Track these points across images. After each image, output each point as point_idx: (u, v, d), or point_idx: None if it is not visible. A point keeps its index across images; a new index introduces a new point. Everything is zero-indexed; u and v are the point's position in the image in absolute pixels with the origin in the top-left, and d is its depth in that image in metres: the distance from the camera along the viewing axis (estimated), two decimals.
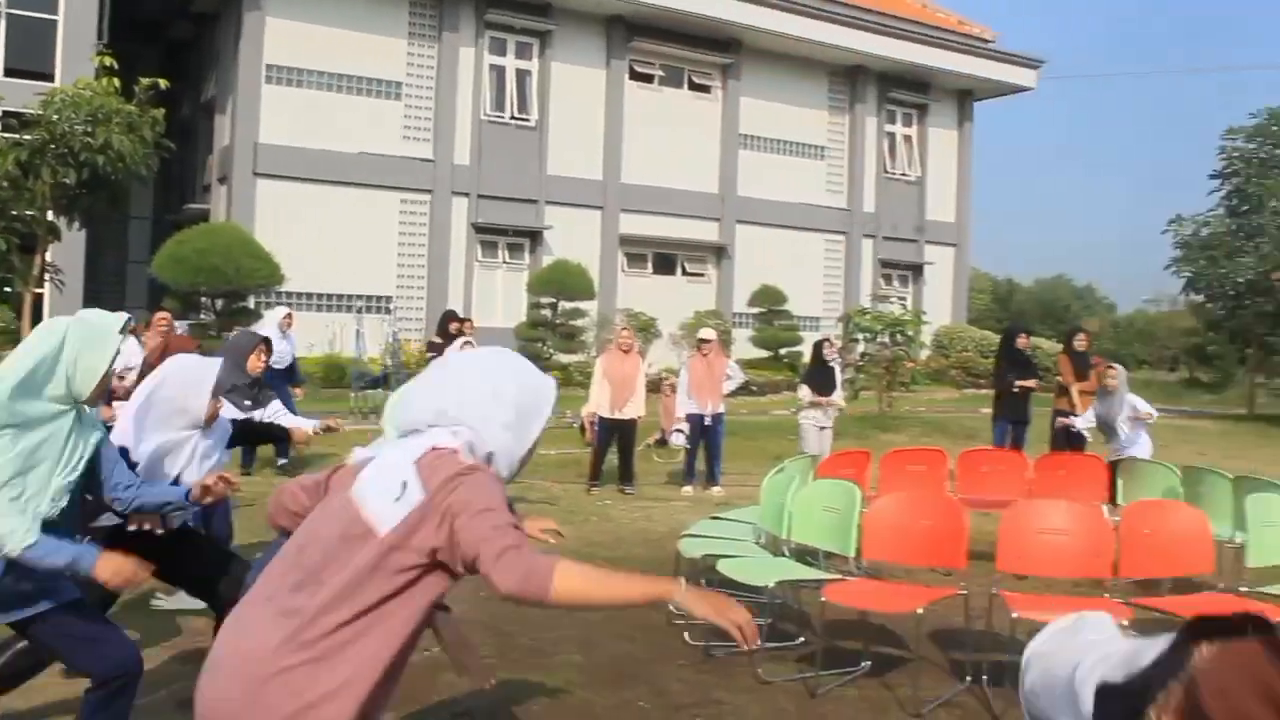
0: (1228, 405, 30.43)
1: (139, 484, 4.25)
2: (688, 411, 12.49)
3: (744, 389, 14.28)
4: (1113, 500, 8.57)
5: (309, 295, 22.82)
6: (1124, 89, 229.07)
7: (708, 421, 12.53)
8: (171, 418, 4.97)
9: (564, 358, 24.14)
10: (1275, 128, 34.57)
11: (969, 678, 5.78)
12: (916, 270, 32.63)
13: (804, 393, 12.69)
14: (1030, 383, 13.10)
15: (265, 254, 20.54)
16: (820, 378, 12.68)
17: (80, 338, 3.84)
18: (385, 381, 19.11)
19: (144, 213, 27.86)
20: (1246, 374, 37.19)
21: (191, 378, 5.05)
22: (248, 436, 6.18)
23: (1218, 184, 35.16)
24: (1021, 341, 13.51)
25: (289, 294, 22.22)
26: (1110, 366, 10.05)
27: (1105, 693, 1.37)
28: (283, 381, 11.87)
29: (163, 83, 14.23)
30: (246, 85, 23.06)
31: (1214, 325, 39.28)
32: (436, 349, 13.05)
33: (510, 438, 2.63)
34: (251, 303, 21.55)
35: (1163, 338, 59.73)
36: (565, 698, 5.41)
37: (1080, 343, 13.20)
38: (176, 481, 4.87)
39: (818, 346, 13.26)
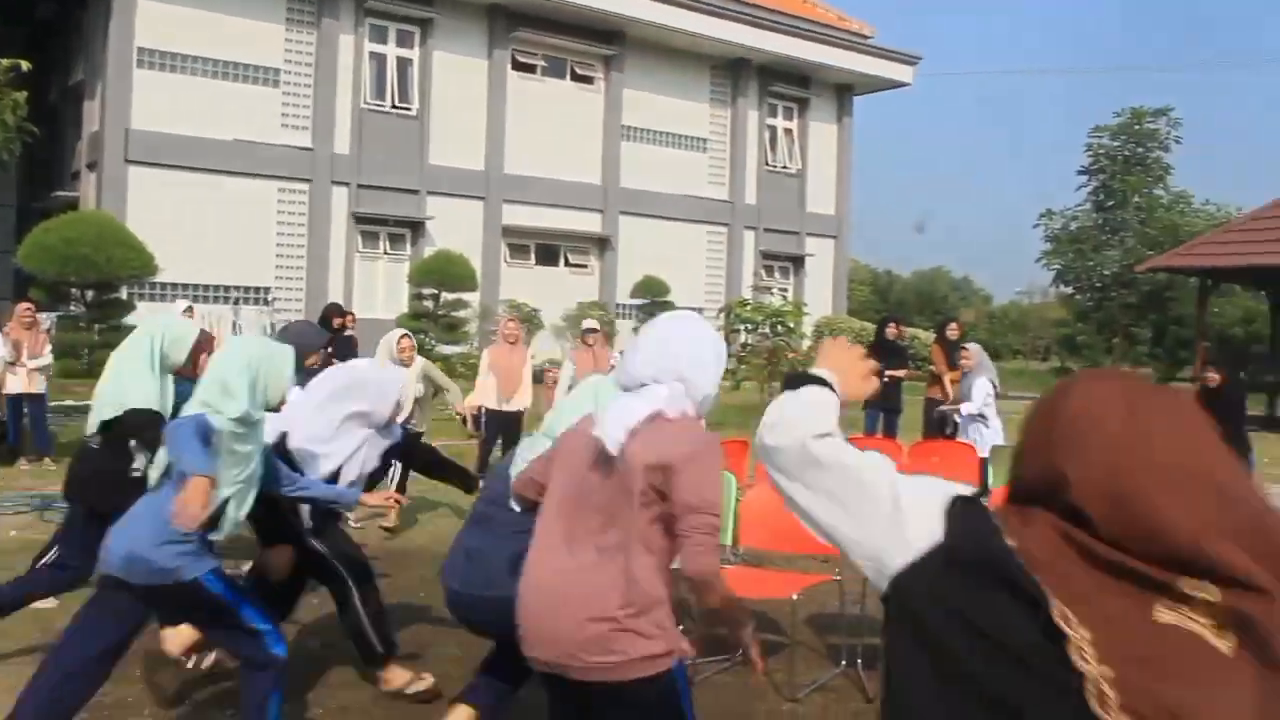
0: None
1: (302, 479, 4.87)
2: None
3: None
4: (984, 487, 8.81)
5: (184, 286, 22.29)
6: (999, 86, 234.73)
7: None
8: (357, 419, 5.30)
9: (446, 349, 24.00)
10: (1138, 126, 35.84)
11: (844, 661, 5.90)
12: (797, 262, 33.08)
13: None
14: (900, 372, 13.38)
15: (138, 243, 20.05)
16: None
17: (263, 355, 4.37)
18: None
19: (8, 200, 26.96)
20: (1113, 363, 38.50)
21: (387, 385, 5.50)
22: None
23: (1085, 180, 36.45)
24: (891, 331, 13.76)
25: (163, 285, 21.76)
26: (964, 346, 10.25)
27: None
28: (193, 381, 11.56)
29: (24, 64, 13.80)
30: (117, 69, 22.43)
31: (1082, 316, 40.67)
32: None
33: (712, 384, 3.28)
34: (124, 294, 21.03)
35: (1035, 328, 61.51)
36: (449, 691, 5.40)
37: (952, 332, 13.50)
38: (336, 475, 5.23)
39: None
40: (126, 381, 5.23)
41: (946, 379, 12.90)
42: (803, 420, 1.86)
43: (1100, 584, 1.46)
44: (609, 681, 3.02)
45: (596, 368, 12.58)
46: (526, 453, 3.98)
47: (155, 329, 5.39)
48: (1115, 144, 36.04)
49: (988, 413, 10.32)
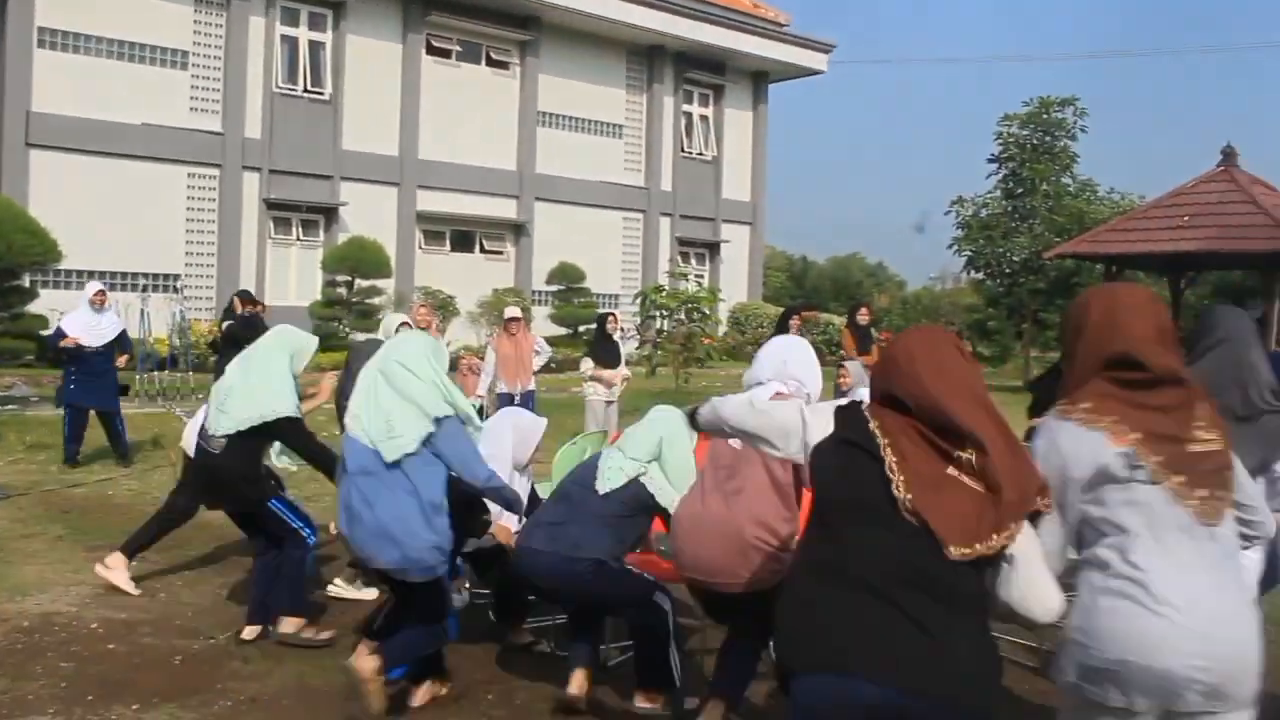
0: (1006, 377, 32.01)
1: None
2: (498, 391, 12.44)
3: (545, 367, 14.32)
4: None
5: (89, 274, 21.70)
6: (912, 75, 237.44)
7: (517, 401, 12.51)
8: (505, 462, 5.78)
9: (360, 337, 23.74)
10: (1045, 115, 36.44)
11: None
12: (713, 248, 33.25)
13: (585, 365, 12.92)
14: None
15: (40, 229, 19.59)
16: (604, 352, 12.86)
17: (439, 350, 4.92)
18: (174, 363, 18.47)
19: None
20: (1022, 348, 39.21)
21: (528, 432, 6.10)
22: None
23: (995, 168, 36.93)
24: (794, 323, 13.76)
25: (68, 272, 21.29)
26: (842, 365, 10.30)
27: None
28: (109, 359, 11.48)
29: None
30: (16, 50, 21.83)
31: (993, 301, 41.26)
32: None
33: (817, 385, 4.55)
34: (26, 281, 20.56)
35: (947, 313, 62.21)
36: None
37: (863, 317, 13.86)
38: None
39: (601, 320, 13.61)
40: (277, 385, 5.90)
41: (859, 363, 13.05)
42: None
43: (917, 448, 2.77)
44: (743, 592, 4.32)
45: (518, 355, 12.52)
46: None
47: (287, 341, 6.10)
48: (1024, 132, 36.61)
49: None
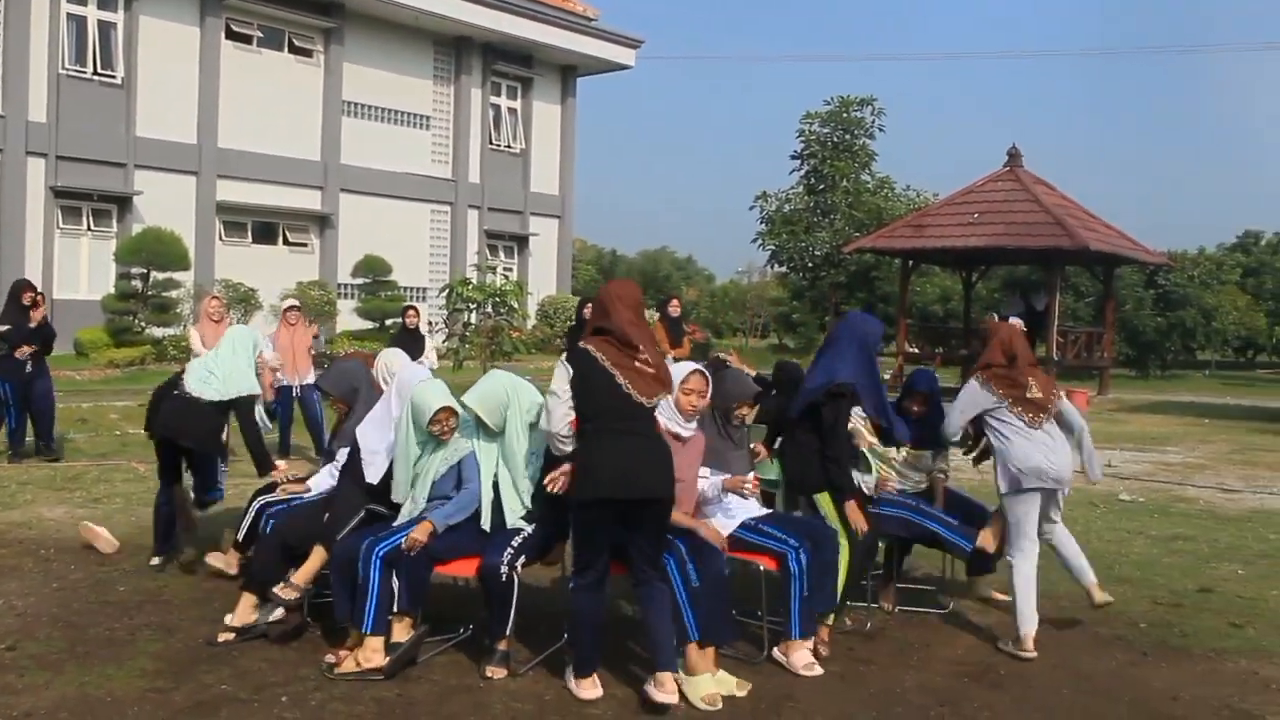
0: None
1: None
2: (279, 384, 12.24)
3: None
4: None
5: None
6: (719, 72, 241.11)
7: (296, 394, 12.34)
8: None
9: (157, 331, 23.01)
10: (845, 114, 37.60)
11: (565, 635, 6.00)
12: (522, 241, 33.20)
13: None
14: None
15: None
16: (405, 344, 12.81)
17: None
18: None
19: None
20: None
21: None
22: None
23: (798, 164, 37.99)
24: (587, 312, 14.04)
25: None
26: None
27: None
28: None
29: None
30: None
31: (797, 294, 42.49)
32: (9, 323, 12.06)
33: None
34: None
35: (754, 306, 63.73)
36: (141, 688, 5.24)
37: (674, 309, 14.08)
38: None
39: (403, 313, 13.85)
40: (245, 368, 7.42)
41: (670, 356, 13.26)
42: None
43: (624, 359, 5.13)
44: None
45: (294, 346, 12.35)
46: None
47: (250, 335, 7.67)
48: (825, 130, 37.71)
49: None
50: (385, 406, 6.19)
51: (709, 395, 5.83)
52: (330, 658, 5.59)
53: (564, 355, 5.41)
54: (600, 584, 5.23)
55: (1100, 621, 6.63)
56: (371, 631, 5.50)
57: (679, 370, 5.81)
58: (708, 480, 6.01)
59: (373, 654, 5.47)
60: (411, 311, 13.89)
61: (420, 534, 5.57)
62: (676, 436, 5.67)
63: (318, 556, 5.88)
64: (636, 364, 5.09)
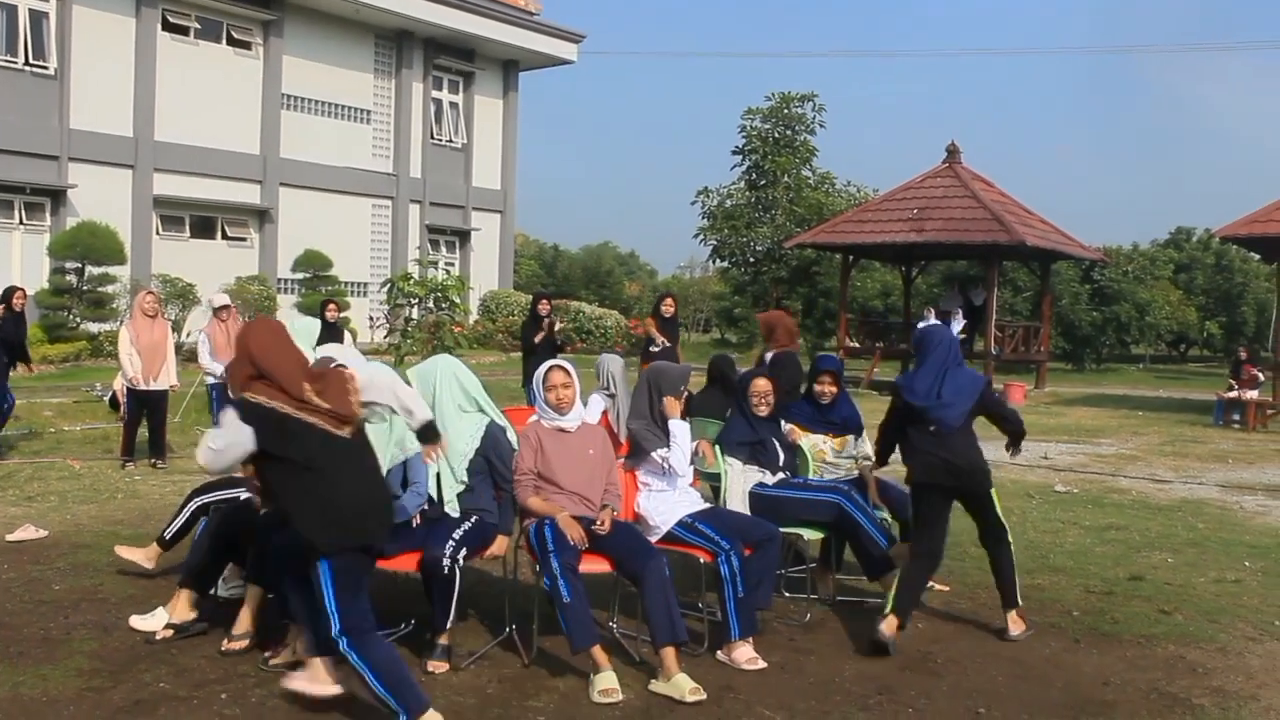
0: (750, 363, 32.87)
1: None
2: (211, 381, 12.21)
3: None
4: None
5: None
6: (660, 67, 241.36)
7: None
8: None
9: (93, 326, 22.67)
10: (786, 110, 37.75)
11: (507, 629, 6.02)
12: (463, 236, 33.07)
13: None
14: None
15: None
16: (324, 336, 12.87)
17: None
18: None
19: None
20: None
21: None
22: None
23: (739, 160, 38.07)
24: (543, 308, 14.54)
25: None
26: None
27: None
28: None
29: None
30: None
31: (739, 289, 42.60)
32: None
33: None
34: None
35: (696, 301, 63.89)
36: (77, 687, 5.19)
37: (667, 308, 14.24)
38: None
39: (322, 306, 14.09)
40: None
41: (657, 336, 13.86)
42: None
43: (289, 399, 4.62)
44: None
45: (230, 343, 12.26)
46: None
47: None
48: (766, 126, 37.84)
49: None
50: None
51: (575, 385, 6.04)
52: (267, 653, 5.58)
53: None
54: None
55: (1034, 610, 6.75)
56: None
57: (540, 370, 6.09)
58: (663, 452, 6.27)
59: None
60: (332, 305, 14.06)
61: None
62: (562, 430, 5.97)
63: (254, 598, 5.80)
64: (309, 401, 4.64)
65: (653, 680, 5.39)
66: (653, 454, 6.24)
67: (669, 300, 14.53)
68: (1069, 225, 30.09)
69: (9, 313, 12.33)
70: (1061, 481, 12.19)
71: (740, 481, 6.62)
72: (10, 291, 12.61)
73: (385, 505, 4.95)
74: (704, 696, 5.20)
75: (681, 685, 5.25)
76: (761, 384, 6.89)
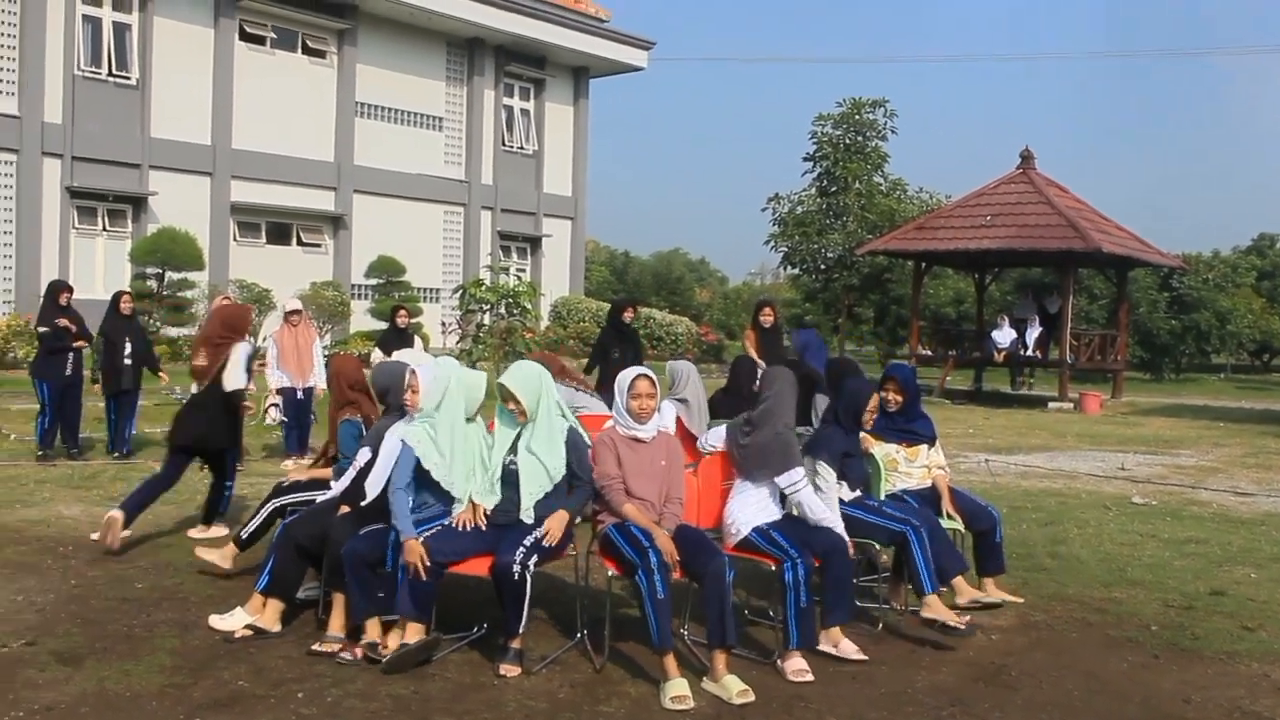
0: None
1: None
2: (280, 385, 12.27)
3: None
4: None
5: None
6: (732, 73, 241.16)
7: (299, 395, 12.30)
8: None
9: (172, 330, 23.09)
10: (857, 116, 37.54)
11: (579, 635, 6.04)
12: (534, 242, 33.26)
13: (376, 355, 13.16)
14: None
15: None
16: (395, 342, 13.02)
17: None
18: None
19: None
20: (839, 340, 40.33)
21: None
22: None
23: (810, 166, 37.95)
24: (628, 315, 13.37)
25: None
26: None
27: None
28: None
29: None
30: None
31: (810, 296, 42.46)
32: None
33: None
34: None
35: None
36: (159, 684, 5.28)
37: (766, 318, 12.62)
38: None
39: (393, 312, 14.03)
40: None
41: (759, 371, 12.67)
42: None
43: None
44: None
45: (299, 348, 12.35)
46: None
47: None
48: (837, 132, 37.65)
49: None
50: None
51: (657, 396, 6.01)
52: (346, 654, 5.66)
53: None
54: None
55: (1112, 624, 6.64)
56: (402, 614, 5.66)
57: (624, 377, 6.01)
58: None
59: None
60: (403, 311, 14.09)
61: (413, 555, 5.60)
62: (637, 439, 5.91)
63: (342, 603, 5.91)
64: None
65: (704, 679, 5.40)
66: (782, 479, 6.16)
67: (768, 309, 12.76)
68: (1147, 232, 29.61)
69: (118, 317, 12.54)
70: (1139, 493, 11.97)
71: (835, 493, 6.51)
72: (117, 296, 12.78)
73: None
74: (752, 699, 5.19)
75: (730, 687, 5.25)
76: (875, 400, 6.75)
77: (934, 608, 6.17)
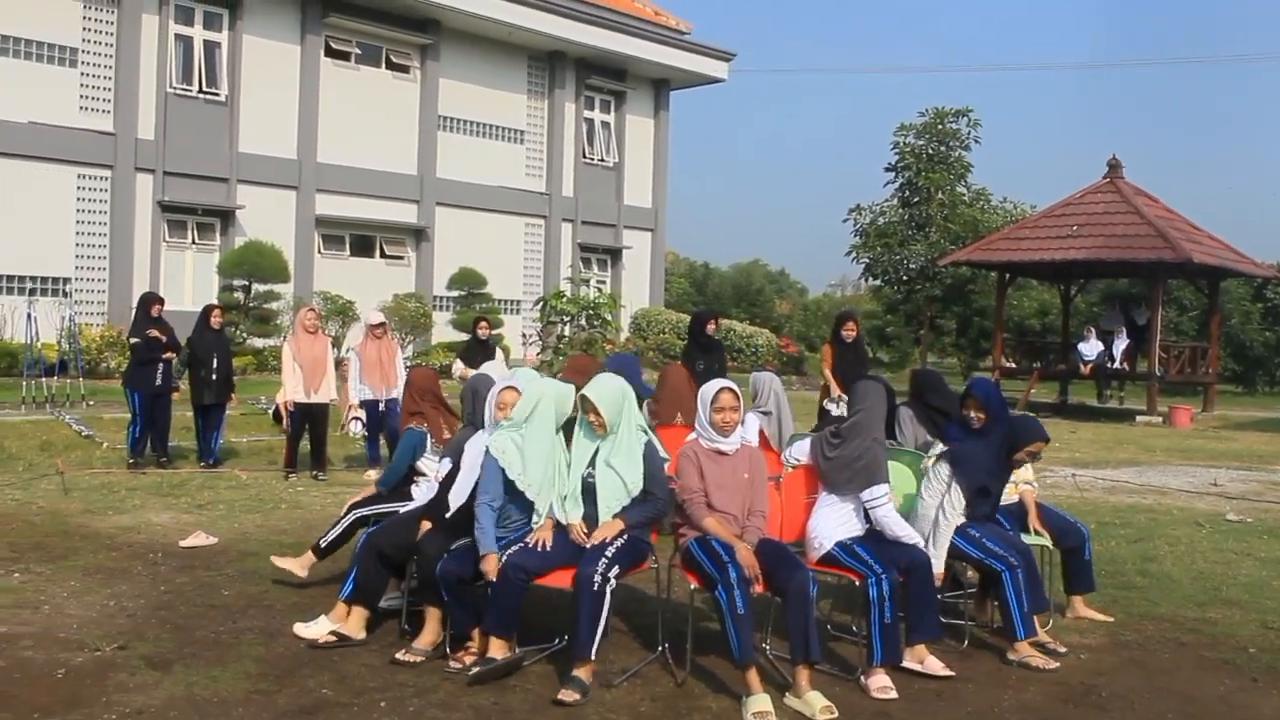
0: (904, 382, 32.41)
1: None
2: (362, 398, 12.25)
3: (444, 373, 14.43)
4: None
5: None
6: (812, 84, 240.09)
7: (382, 407, 12.25)
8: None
9: (258, 342, 23.48)
10: (940, 126, 37.17)
11: (660, 648, 6.02)
12: (615, 254, 33.34)
13: (457, 367, 13.50)
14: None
15: None
16: (476, 353, 13.14)
17: None
18: (64, 369, 18.02)
19: None
20: (920, 352, 39.93)
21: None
22: None
23: (892, 176, 37.64)
24: (710, 327, 12.69)
25: None
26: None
27: None
28: None
29: None
30: None
31: (891, 308, 42.06)
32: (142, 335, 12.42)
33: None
34: None
35: None
36: (245, 690, 5.35)
37: (849, 332, 12.52)
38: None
39: (474, 324, 14.11)
40: None
41: (832, 380, 12.34)
42: None
43: None
44: None
45: (381, 360, 12.36)
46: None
47: None
48: (919, 142, 37.32)
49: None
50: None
51: (741, 409, 5.98)
52: (454, 663, 5.74)
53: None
54: None
55: (1207, 645, 6.47)
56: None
57: (708, 390, 5.97)
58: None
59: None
60: (484, 323, 14.10)
61: (490, 567, 5.66)
62: (720, 452, 5.88)
63: (435, 616, 5.97)
64: None
65: (787, 694, 5.36)
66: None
67: (850, 323, 12.62)
68: (1240, 242, 28.90)
69: (208, 330, 12.74)
70: (1234, 510, 11.67)
71: (952, 527, 6.27)
72: (208, 310, 12.98)
73: None
74: (836, 715, 5.14)
75: (814, 703, 5.20)
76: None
77: (1022, 650, 6.07)
